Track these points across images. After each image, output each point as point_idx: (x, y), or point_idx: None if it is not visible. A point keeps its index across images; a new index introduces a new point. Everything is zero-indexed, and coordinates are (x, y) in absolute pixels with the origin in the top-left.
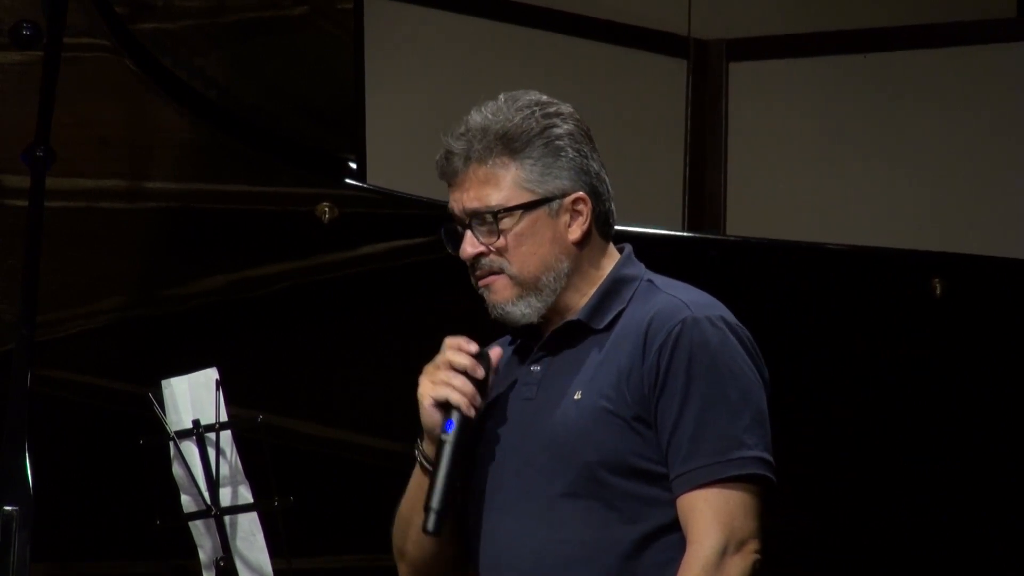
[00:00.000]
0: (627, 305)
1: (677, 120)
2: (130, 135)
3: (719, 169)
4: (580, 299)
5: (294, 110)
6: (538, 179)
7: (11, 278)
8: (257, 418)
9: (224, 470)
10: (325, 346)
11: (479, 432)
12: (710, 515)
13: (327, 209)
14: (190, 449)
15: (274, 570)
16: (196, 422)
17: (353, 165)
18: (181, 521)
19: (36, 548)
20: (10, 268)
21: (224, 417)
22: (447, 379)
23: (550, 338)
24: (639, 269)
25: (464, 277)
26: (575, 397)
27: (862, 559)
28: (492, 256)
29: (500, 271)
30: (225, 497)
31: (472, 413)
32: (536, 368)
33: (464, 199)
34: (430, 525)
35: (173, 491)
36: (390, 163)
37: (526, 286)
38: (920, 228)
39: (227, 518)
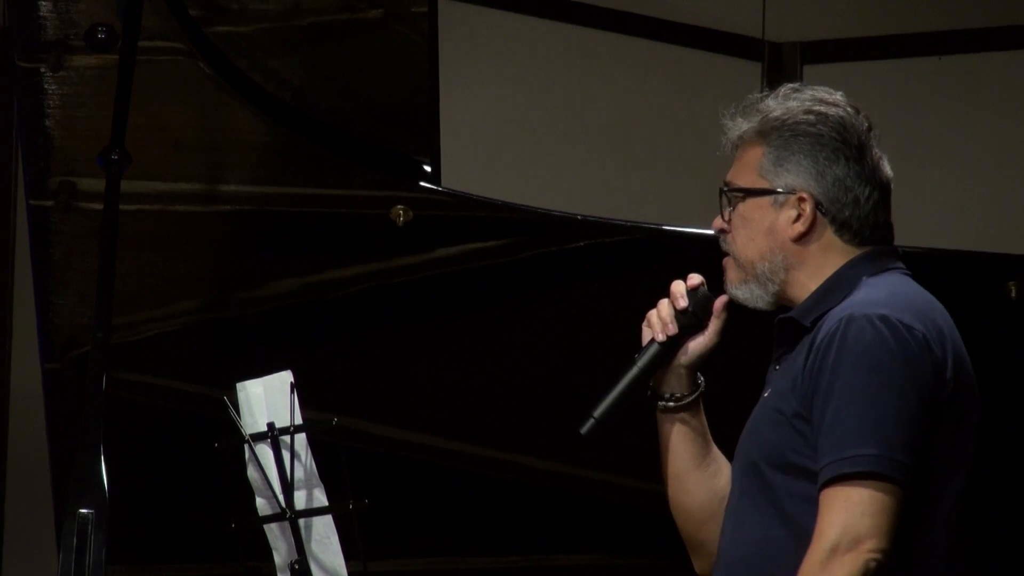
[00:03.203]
0: (837, 304)
1: None
2: (205, 138)
3: None
4: (805, 296)
5: (368, 113)
6: (771, 168)
7: (87, 281)
8: (332, 421)
9: (299, 473)
10: (399, 349)
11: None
12: (828, 512)
13: (402, 212)
14: (265, 452)
15: (349, 573)
16: (271, 425)
17: (427, 168)
18: (256, 524)
19: (111, 551)
20: (86, 271)
21: (299, 420)
22: (657, 305)
23: (777, 335)
24: (867, 269)
25: (537, 280)
26: (765, 395)
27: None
28: (728, 235)
29: (729, 251)
30: (300, 500)
31: (661, 339)
32: (777, 368)
33: (728, 173)
34: (584, 428)
35: (248, 494)
36: (464, 165)
37: (746, 271)
38: (994, 231)
39: (302, 521)
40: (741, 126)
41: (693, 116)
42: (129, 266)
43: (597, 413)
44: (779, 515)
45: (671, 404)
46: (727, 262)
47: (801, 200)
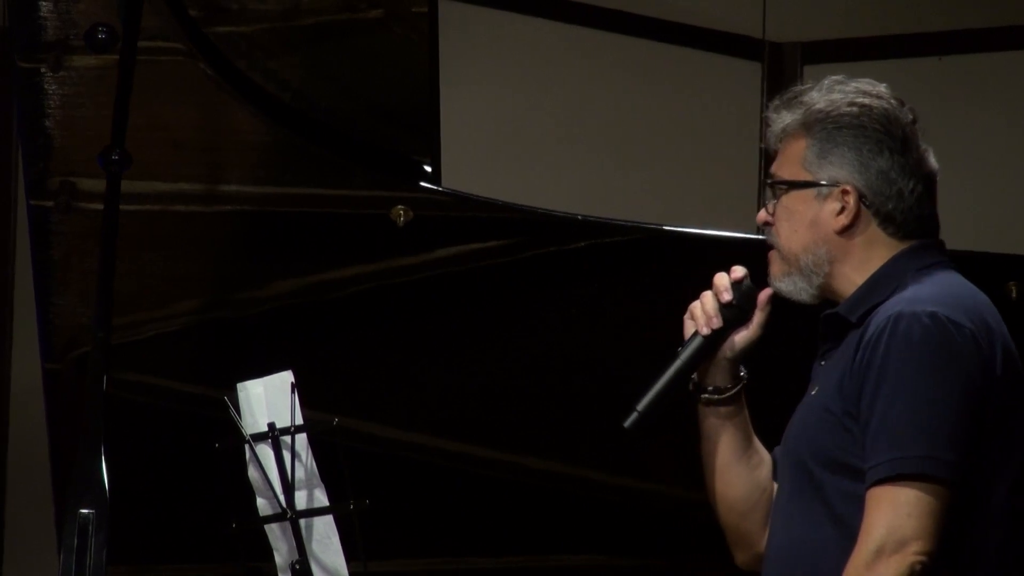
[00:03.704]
0: (884, 300)
1: (752, 123)
2: (205, 138)
3: None
4: (851, 290)
5: (368, 113)
6: (814, 161)
7: (87, 281)
8: (332, 421)
9: (299, 473)
10: (400, 349)
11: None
12: (874, 513)
13: (402, 212)
14: (265, 452)
15: (350, 573)
16: (271, 425)
17: (428, 168)
18: (256, 524)
19: (112, 551)
20: (86, 271)
21: (299, 420)
22: (700, 297)
23: (823, 331)
24: (913, 263)
25: (538, 280)
26: (812, 393)
27: None
28: (772, 228)
29: (773, 244)
30: (300, 500)
31: (705, 332)
32: (822, 363)
33: (772, 165)
34: (627, 421)
35: (248, 494)
36: (465, 165)
37: (790, 263)
38: (994, 231)
39: (302, 521)
40: (785, 119)
41: (693, 116)
42: (129, 266)
43: (640, 406)
44: (828, 514)
45: (714, 397)
46: (772, 255)
47: (844, 193)
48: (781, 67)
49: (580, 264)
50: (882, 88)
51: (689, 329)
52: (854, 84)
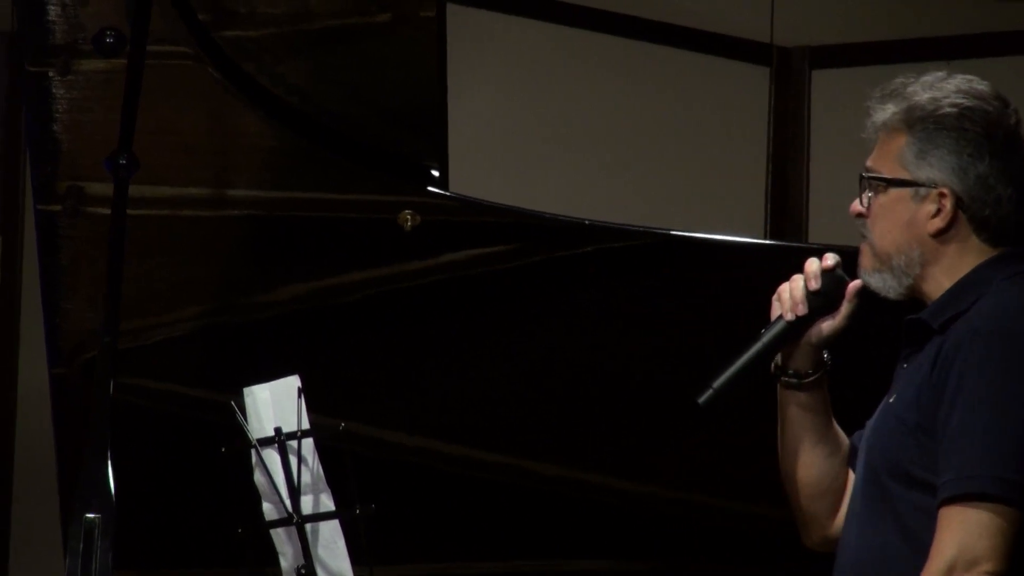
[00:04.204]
0: (967, 309)
1: (759, 127)
2: (213, 142)
3: (801, 177)
4: (939, 293)
5: (376, 118)
6: (913, 160)
7: (95, 286)
8: (339, 426)
9: (306, 478)
10: (407, 354)
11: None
12: (946, 531)
13: (409, 217)
14: (272, 457)
15: None
16: (278, 430)
17: (436, 173)
18: (263, 529)
19: (118, 556)
20: (94, 276)
21: (306, 425)
22: (790, 281)
23: (905, 334)
24: (1000, 271)
25: (545, 285)
26: (891, 400)
27: None
28: (865, 221)
29: (866, 238)
30: (306, 505)
31: (789, 317)
32: (904, 366)
33: (870, 156)
34: (701, 398)
35: (255, 499)
36: (473, 170)
37: (881, 260)
38: None
39: (308, 526)
40: (886, 111)
41: (702, 121)
42: (137, 271)
43: (716, 384)
44: (897, 526)
45: (793, 381)
46: (863, 247)
47: (942, 196)
48: (789, 71)
49: (587, 269)
50: (986, 88)
51: (775, 312)
52: (957, 83)
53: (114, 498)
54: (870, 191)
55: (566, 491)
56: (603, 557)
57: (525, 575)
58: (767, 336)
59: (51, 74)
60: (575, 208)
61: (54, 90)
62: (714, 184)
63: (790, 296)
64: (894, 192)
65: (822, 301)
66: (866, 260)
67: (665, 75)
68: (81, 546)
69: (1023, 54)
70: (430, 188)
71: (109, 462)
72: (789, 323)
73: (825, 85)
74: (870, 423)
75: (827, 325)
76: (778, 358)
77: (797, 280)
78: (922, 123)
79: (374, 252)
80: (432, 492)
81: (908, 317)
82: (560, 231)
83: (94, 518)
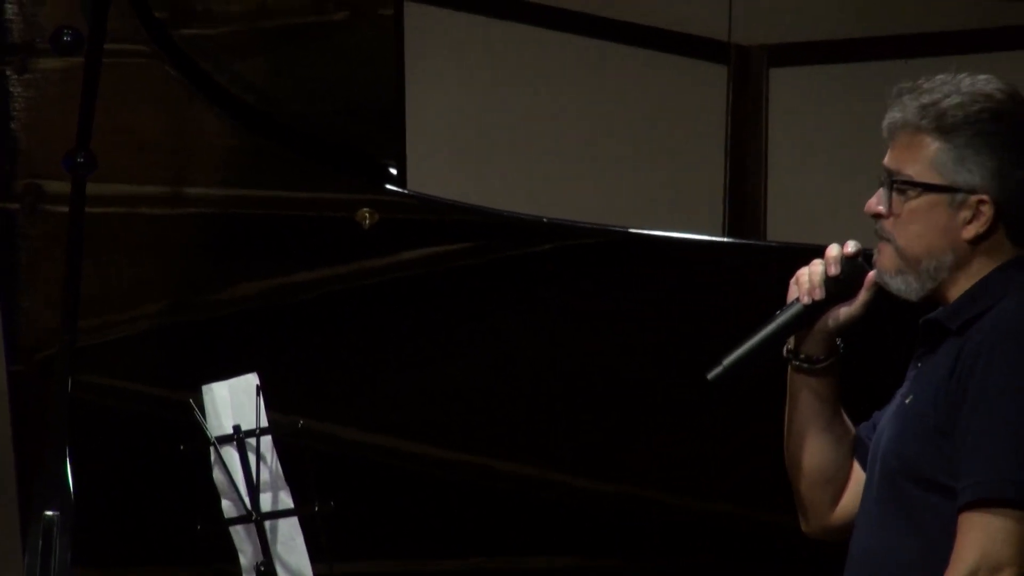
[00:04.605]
0: (987, 310)
1: (718, 126)
2: (170, 141)
3: (760, 174)
4: (957, 295)
5: (334, 115)
6: (951, 166)
7: (53, 284)
8: (298, 423)
9: (264, 475)
10: (366, 352)
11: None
12: (967, 536)
13: (367, 215)
14: (230, 454)
15: (314, 575)
16: (237, 427)
17: (393, 171)
18: (222, 526)
19: (77, 553)
20: (52, 274)
21: (264, 422)
22: (809, 265)
23: (921, 335)
24: (1019, 273)
25: (504, 283)
26: (907, 401)
27: None
28: (888, 222)
29: (889, 240)
30: (265, 502)
31: (806, 301)
32: (919, 365)
33: (889, 156)
34: (711, 373)
35: (214, 496)
36: (431, 168)
37: (908, 263)
38: None
39: (267, 523)
40: (908, 110)
41: (660, 119)
42: (95, 269)
43: (727, 361)
44: (913, 527)
45: (804, 365)
46: (883, 247)
47: (981, 202)
48: (747, 70)
49: (545, 267)
50: (1009, 87)
51: (791, 294)
52: (991, 86)
53: (73, 495)
54: (896, 193)
55: (525, 488)
56: (563, 554)
57: (486, 572)
58: (782, 318)
59: (8, 73)
60: (533, 206)
61: (11, 89)
62: (673, 182)
63: (808, 280)
64: (930, 197)
65: (840, 287)
66: (887, 261)
67: (623, 73)
68: (40, 543)
69: (981, 51)
70: (388, 186)
71: (68, 460)
72: (805, 307)
73: (783, 83)
74: (881, 421)
75: (843, 312)
76: (791, 341)
77: (816, 264)
78: (958, 128)
79: (332, 250)
80: (392, 489)
81: (924, 318)
82: (519, 229)
83: (53, 515)
